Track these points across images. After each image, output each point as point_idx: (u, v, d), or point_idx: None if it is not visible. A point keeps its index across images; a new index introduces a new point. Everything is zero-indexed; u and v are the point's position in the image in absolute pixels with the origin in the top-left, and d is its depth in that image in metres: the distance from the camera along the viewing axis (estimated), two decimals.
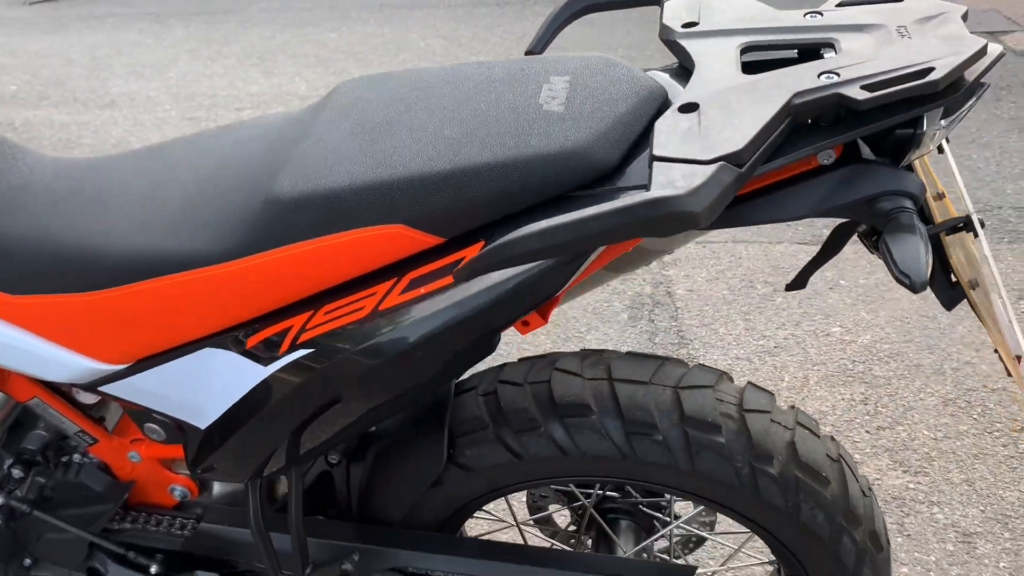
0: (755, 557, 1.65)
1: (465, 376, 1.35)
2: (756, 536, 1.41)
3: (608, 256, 0.99)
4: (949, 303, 0.97)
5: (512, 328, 0.99)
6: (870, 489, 1.33)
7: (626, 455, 1.22)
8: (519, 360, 1.34)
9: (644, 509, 1.51)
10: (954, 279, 0.96)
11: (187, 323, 1.05)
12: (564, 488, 1.50)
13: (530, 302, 0.94)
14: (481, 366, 2.36)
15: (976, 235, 0.91)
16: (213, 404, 1.11)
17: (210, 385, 1.10)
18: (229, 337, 1.05)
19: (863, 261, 3.36)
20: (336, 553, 1.24)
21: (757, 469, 1.22)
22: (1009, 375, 0.98)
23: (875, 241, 0.98)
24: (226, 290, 1.00)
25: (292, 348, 1.00)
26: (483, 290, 0.92)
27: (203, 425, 1.14)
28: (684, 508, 1.56)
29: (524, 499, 1.52)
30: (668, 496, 1.51)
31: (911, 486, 2.28)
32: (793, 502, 1.23)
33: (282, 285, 0.99)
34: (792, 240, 3.57)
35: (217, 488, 1.43)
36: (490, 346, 0.98)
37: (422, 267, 0.96)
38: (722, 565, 1.57)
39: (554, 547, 1.57)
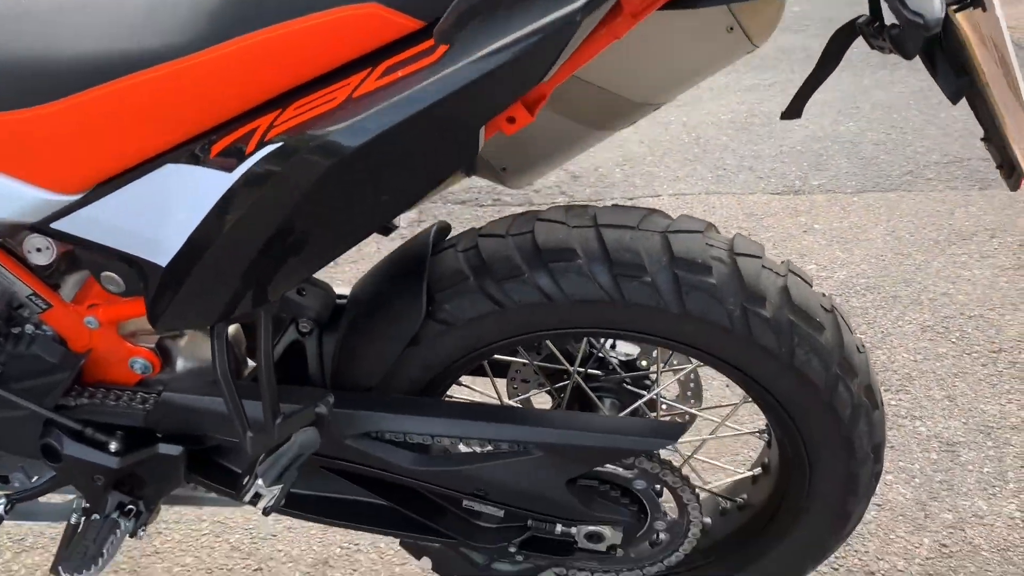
0: (736, 429, 1.60)
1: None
2: (746, 403, 1.36)
3: (595, 45, 0.93)
4: (954, 94, 0.92)
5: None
6: (864, 347, 1.29)
7: (614, 299, 1.17)
8: (499, 218, 1.28)
9: (629, 387, 1.45)
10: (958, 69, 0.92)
11: (146, 134, 0.98)
12: (546, 365, 1.45)
13: (515, 86, 0.88)
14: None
15: (985, 9, 0.86)
16: (175, 232, 1.03)
17: (171, 210, 1.02)
18: (191, 149, 0.98)
19: (836, 207, 3.36)
20: (308, 398, 1.16)
21: (749, 311, 1.17)
22: (1010, 175, 0.94)
23: (877, 28, 0.94)
24: (188, 89, 0.93)
25: (259, 147, 0.93)
26: (465, 66, 0.86)
27: (164, 261, 1.07)
28: (670, 390, 1.51)
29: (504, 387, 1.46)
30: (654, 374, 1.46)
31: (893, 403, 2.26)
32: (787, 346, 1.18)
33: (248, 80, 0.92)
34: (765, 191, 3.56)
35: (180, 363, 1.34)
36: (472, 144, 0.92)
37: (399, 54, 0.89)
38: (711, 433, 1.52)
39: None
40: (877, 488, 1.40)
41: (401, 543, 1.56)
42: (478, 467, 1.26)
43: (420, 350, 1.25)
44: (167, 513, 1.97)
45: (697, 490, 1.33)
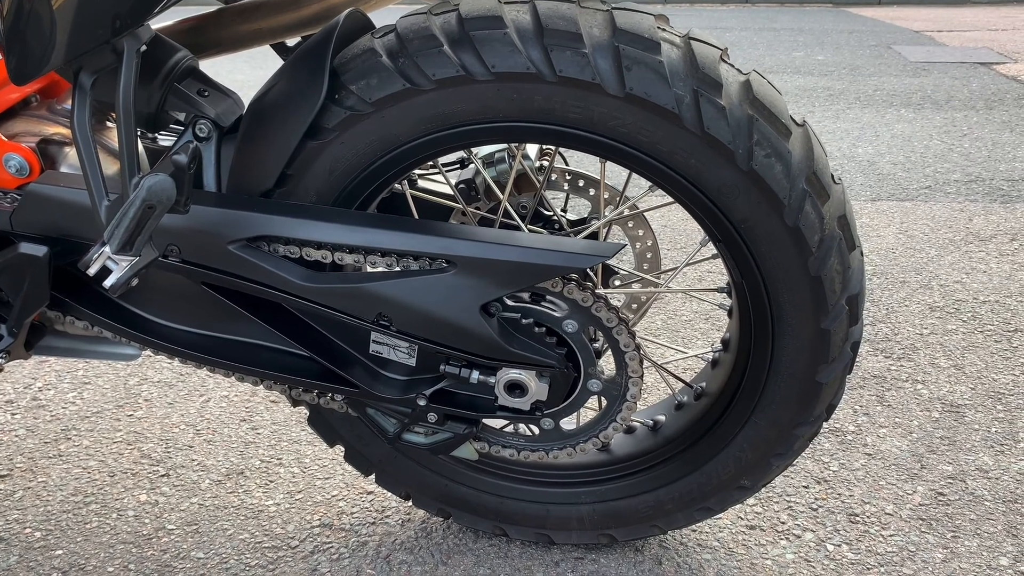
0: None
1: None
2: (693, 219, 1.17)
3: None
4: None
5: None
6: (840, 180, 1.11)
7: (543, 73, 1.00)
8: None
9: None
10: None
11: None
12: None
13: None
14: None
15: None
16: None
17: None
18: None
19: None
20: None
21: (702, 96, 0.99)
22: None
23: None
24: None
25: None
26: None
27: None
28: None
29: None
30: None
31: (892, 368, 2.04)
32: (744, 144, 1.00)
33: None
34: None
35: (64, 167, 1.19)
36: None
37: None
38: (669, 279, 1.32)
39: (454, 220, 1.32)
40: (869, 439, 1.19)
41: (310, 423, 1.36)
42: (381, 285, 1.08)
43: (323, 148, 1.08)
44: (80, 421, 1.79)
45: (641, 355, 1.13)
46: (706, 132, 0.99)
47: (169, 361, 2.03)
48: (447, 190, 1.34)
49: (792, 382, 1.15)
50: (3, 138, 1.16)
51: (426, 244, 1.06)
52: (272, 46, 1.33)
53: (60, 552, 1.44)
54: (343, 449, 1.38)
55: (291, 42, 1.38)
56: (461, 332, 1.08)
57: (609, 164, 1.15)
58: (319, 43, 1.07)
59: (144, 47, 0.97)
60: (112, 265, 0.96)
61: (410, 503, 1.44)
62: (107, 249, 0.94)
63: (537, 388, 1.12)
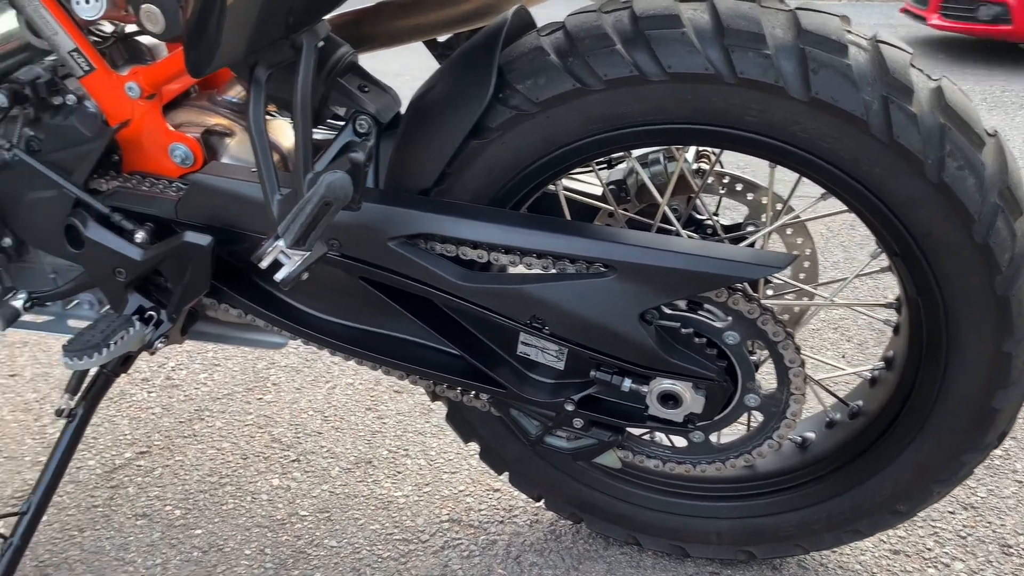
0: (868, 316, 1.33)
1: None
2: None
3: None
4: None
5: None
6: None
7: (721, 74, 0.96)
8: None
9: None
10: None
11: None
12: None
13: None
14: None
15: None
16: None
17: None
18: None
19: None
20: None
21: (892, 102, 0.94)
22: None
23: None
24: None
25: None
26: None
27: None
28: None
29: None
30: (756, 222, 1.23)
31: None
32: (935, 153, 0.94)
33: None
34: None
35: (225, 158, 1.21)
36: None
37: None
38: (833, 295, 1.27)
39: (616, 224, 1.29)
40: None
41: (448, 419, 1.36)
42: (538, 287, 1.06)
43: (484, 147, 1.07)
44: (212, 402, 1.84)
45: (805, 369, 1.08)
46: (895, 140, 0.94)
47: (295, 346, 2.06)
48: (594, 190, 1.31)
49: (964, 406, 1.09)
50: (170, 128, 1.19)
51: (586, 247, 1.04)
52: (424, 42, 1.33)
53: (199, 531, 1.48)
54: (478, 447, 1.37)
55: (441, 38, 1.37)
56: (617, 339, 1.06)
57: (755, 163, 1.10)
58: (487, 40, 1.06)
59: (322, 43, 0.98)
60: (284, 259, 0.96)
61: (541, 504, 1.42)
62: (281, 243, 0.95)
63: (692, 400, 1.09)
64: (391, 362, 1.20)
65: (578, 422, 1.15)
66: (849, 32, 0.98)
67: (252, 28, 0.94)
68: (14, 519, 1.33)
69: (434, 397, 1.31)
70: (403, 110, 1.17)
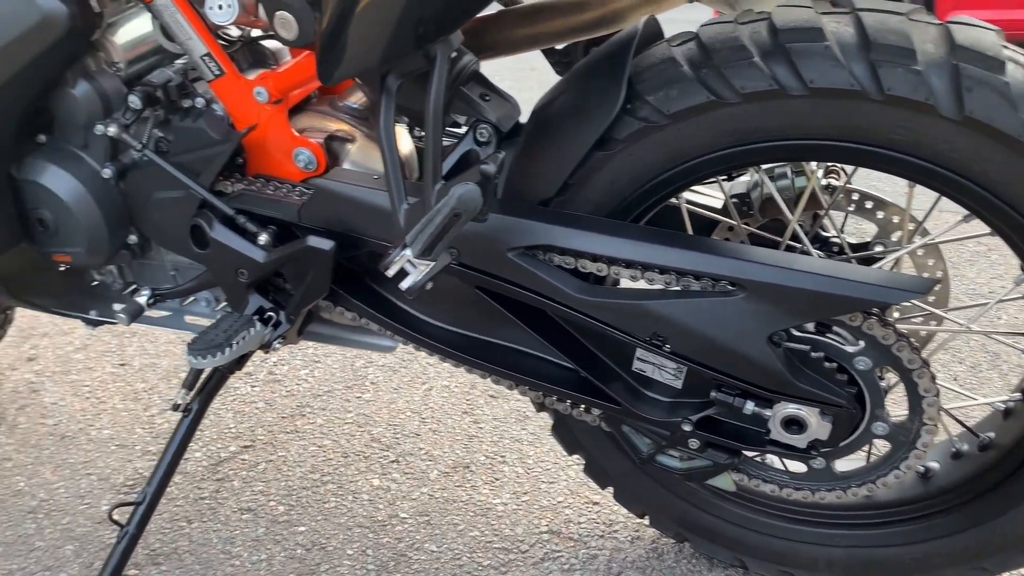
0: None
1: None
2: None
3: None
4: None
5: None
6: None
7: (867, 90, 0.92)
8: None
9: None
10: None
11: None
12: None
13: None
14: None
15: None
16: None
17: None
18: None
19: None
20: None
21: None
22: None
23: None
24: None
25: None
26: None
27: None
28: None
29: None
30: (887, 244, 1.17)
31: None
32: None
33: None
34: None
35: (346, 166, 1.22)
36: None
37: None
38: (971, 322, 1.21)
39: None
40: None
41: (554, 431, 1.34)
42: (661, 304, 1.04)
43: (609, 159, 1.05)
44: (313, 399, 1.87)
45: (937, 387, 1.03)
46: None
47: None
48: (713, 202, 1.28)
49: None
50: (295, 133, 1.20)
51: (713, 264, 1.01)
52: (542, 50, 1.31)
53: (303, 529, 1.51)
54: (582, 460, 1.35)
55: (559, 46, 1.36)
56: (743, 361, 1.03)
57: (885, 179, 1.05)
58: (617, 50, 1.04)
59: (455, 53, 0.97)
60: (410, 268, 0.96)
61: (643, 521, 1.40)
62: (408, 252, 0.95)
63: (818, 427, 1.05)
64: (502, 372, 1.19)
65: (694, 443, 1.13)
66: (1006, 47, 0.92)
67: (388, 38, 0.94)
68: (129, 508, 1.37)
69: (540, 408, 1.30)
70: (523, 119, 1.17)
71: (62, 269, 1.39)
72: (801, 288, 0.97)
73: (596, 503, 1.55)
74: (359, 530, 1.50)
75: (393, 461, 1.68)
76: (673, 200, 1.16)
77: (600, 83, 1.04)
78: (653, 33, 1.10)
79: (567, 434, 1.33)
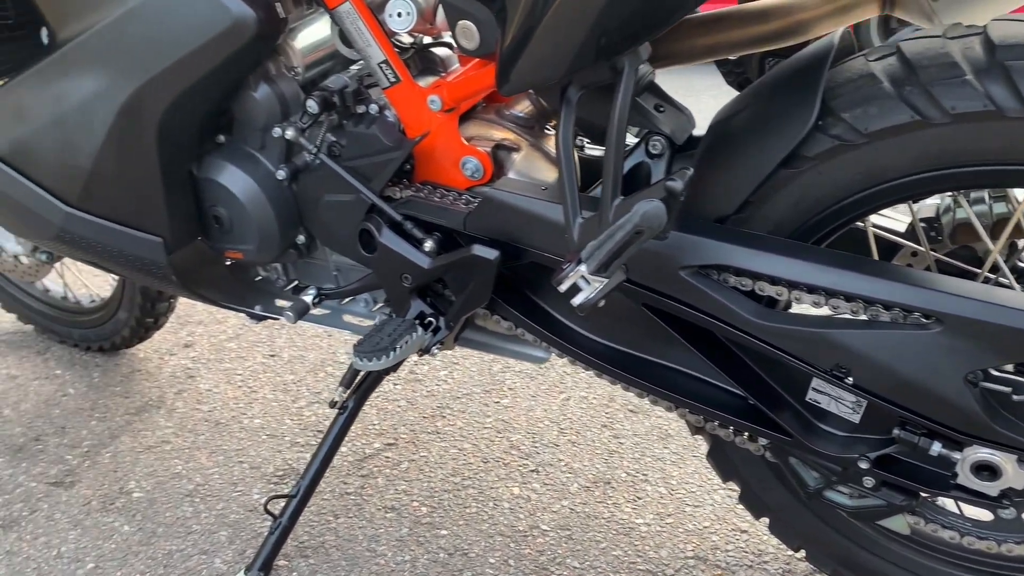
0: None
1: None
2: None
3: None
4: None
5: None
6: None
7: None
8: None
9: None
10: None
11: None
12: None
13: None
14: None
15: None
16: None
17: None
18: None
19: None
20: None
21: None
22: None
23: None
24: None
25: None
26: None
27: None
28: None
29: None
30: None
31: None
32: None
33: None
34: None
35: (512, 175, 1.21)
36: None
37: None
38: None
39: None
40: None
41: (709, 456, 1.30)
42: (846, 334, 0.98)
43: (795, 177, 1.00)
44: (452, 401, 1.88)
45: None
46: None
47: None
48: (896, 225, 1.20)
49: None
50: (464, 141, 1.20)
51: (908, 295, 0.94)
52: (715, 61, 1.27)
53: (445, 532, 1.51)
54: (738, 488, 1.30)
55: (733, 56, 1.31)
56: (935, 400, 0.96)
57: None
58: (811, 63, 0.99)
59: (642, 65, 0.95)
60: (583, 284, 0.94)
61: (799, 555, 1.33)
62: (583, 268, 0.93)
63: (1014, 474, 0.97)
64: (662, 392, 1.15)
65: (868, 481, 1.06)
66: None
67: (574, 49, 0.93)
68: (283, 500, 1.40)
69: (697, 431, 1.26)
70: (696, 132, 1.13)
71: (228, 264, 1.44)
72: (1007, 326, 0.89)
73: (744, 531, 1.49)
74: (500, 539, 1.49)
75: (533, 470, 1.67)
76: (860, 224, 1.10)
77: (791, 97, 0.99)
78: (846, 47, 1.04)
79: (724, 460, 1.28)
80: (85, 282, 2.09)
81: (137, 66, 1.20)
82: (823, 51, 0.99)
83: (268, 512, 1.39)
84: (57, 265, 1.89)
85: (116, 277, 1.89)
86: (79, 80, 1.25)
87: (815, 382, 1.06)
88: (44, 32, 1.31)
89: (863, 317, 0.98)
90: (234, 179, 1.29)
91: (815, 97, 0.96)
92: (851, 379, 1.00)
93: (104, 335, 2.00)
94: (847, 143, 0.96)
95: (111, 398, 1.91)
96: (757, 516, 1.31)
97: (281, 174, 1.28)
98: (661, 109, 1.12)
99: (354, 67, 1.30)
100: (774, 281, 1.01)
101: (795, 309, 1.11)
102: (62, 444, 1.77)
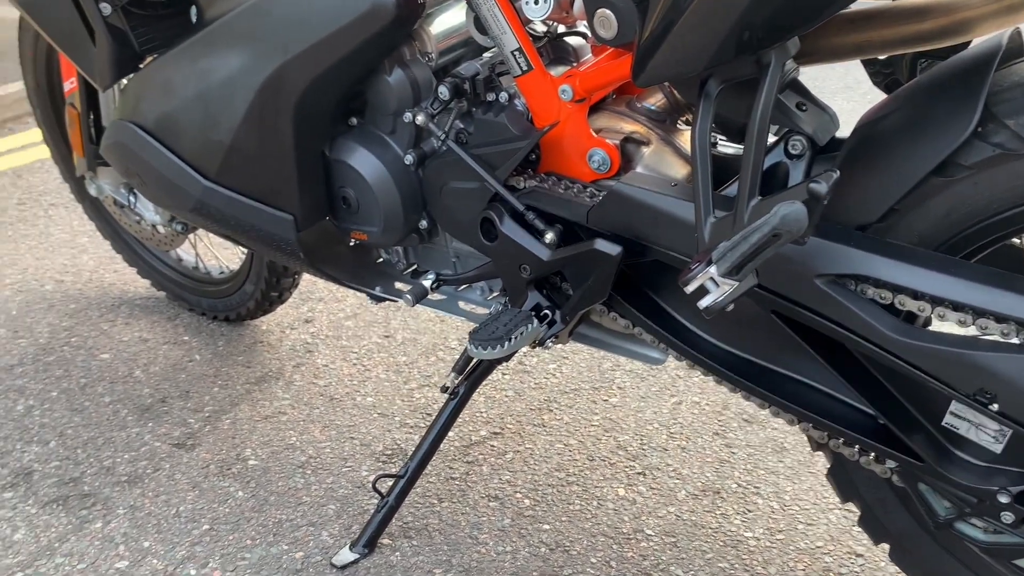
0: None
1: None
2: None
3: None
4: None
5: None
6: None
7: None
8: None
9: None
10: None
11: None
12: None
13: None
14: None
15: None
16: None
17: None
18: None
19: None
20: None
21: None
22: None
23: None
24: None
25: None
26: None
27: None
28: None
29: None
30: None
31: None
32: None
33: None
34: None
35: (640, 170, 1.18)
36: None
37: None
38: None
39: None
40: None
41: (829, 474, 1.24)
42: (995, 357, 0.91)
43: (947, 186, 0.93)
44: (560, 395, 1.86)
45: None
46: None
47: None
48: None
49: None
50: (592, 132, 1.18)
51: None
52: (862, 60, 1.20)
53: (547, 527, 1.50)
54: (858, 511, 1.23)
55: (883, 55, 1.24)
56: None
57: None
58: (974, 65, 0.92)
59: (792, 58, 0.90)
60: (711, 286, 0.91)
61: None
62: (713, 270, 0.89)
63: None
64: (785, 404, 1.11)
65: (1008, 516, 0.98)
66: None
67: (719, 41, 0.89)
68: (391, 480, 1.42)
69: (818, 447, 1.20)
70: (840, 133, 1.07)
71: (352, 244, 1.46)
72: None
73: (860, 555, 1.42)
74: (603, 539, 1.47)
75: (639, 473, 1.64)
76: (1017, 240, 1.02)
77: (949, 101, 0.93)
78: (1014, 48, 0.97)
79: (845, 480, 1.21)
80: (216, 254, 2.18)
81: (278, 46, 1.23)
82: (989, 52, 0.92)
83: (376, 490, 1.41)
84: (191, 236, 1.97)
85: (245, 251, 1.96)
86: (223, 58, 1.30)
87: (954, 406, 0.99)
88: (193, 10, 1.36)
89: (1015, 340, 0.90)
90: (364, 162, 1.31)
91: (977, 101, 0.90)
92: (996, 406, 0.93)
93: (231, 306, 2.08)
94: (1010, 152, 0.89)
95: (233, 367, 1.98)
96: (876, 541, 1.24)
97: (409, 159, 1.29)
98: (803, 108, 1.07)
99: (486, 55, 1.30)
100: (917, 295, 0.95)
101: (936, 326, 1.04)
102: (186, 408, 1.85)
